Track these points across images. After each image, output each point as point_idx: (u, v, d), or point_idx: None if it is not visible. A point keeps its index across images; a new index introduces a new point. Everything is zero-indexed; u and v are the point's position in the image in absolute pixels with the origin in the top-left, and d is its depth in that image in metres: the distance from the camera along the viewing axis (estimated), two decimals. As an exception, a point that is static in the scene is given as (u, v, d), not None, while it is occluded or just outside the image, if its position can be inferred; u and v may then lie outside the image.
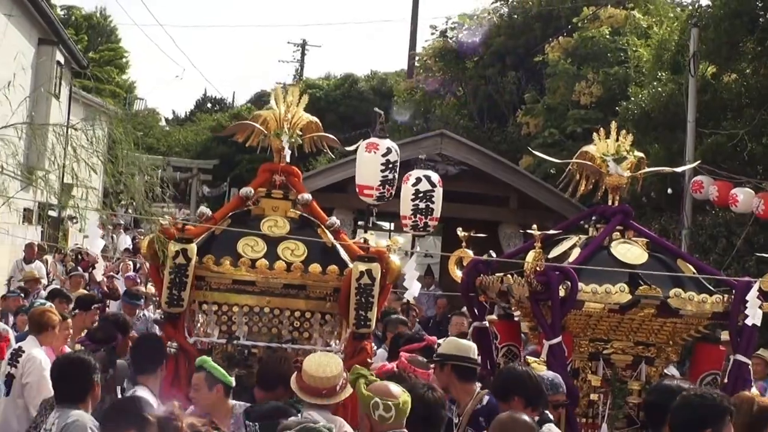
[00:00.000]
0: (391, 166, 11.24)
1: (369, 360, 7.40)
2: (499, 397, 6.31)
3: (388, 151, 11.27)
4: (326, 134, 8.19)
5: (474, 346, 7.47)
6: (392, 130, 26.18)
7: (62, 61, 26.98)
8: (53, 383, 6.40)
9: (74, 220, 18.59)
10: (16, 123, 6.44)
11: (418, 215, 12.10)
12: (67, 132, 6.88)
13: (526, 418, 5.22)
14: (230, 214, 7.71)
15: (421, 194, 11.88)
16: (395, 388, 5.22)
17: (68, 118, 25.44)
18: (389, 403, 5.07)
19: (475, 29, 28.50)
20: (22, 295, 14.24)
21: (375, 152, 11.17)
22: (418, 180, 12.06)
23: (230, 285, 7.33)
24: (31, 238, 18.87)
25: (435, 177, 12.19)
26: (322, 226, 7.70)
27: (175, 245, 7.02)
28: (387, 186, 11.29)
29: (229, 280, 7.31)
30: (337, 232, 7.74)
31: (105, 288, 16.34)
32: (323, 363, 6.18)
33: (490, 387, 6.68)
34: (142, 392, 6.47)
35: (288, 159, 7.82)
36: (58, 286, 15.28)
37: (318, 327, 7.37)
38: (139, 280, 17.06)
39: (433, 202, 11.99)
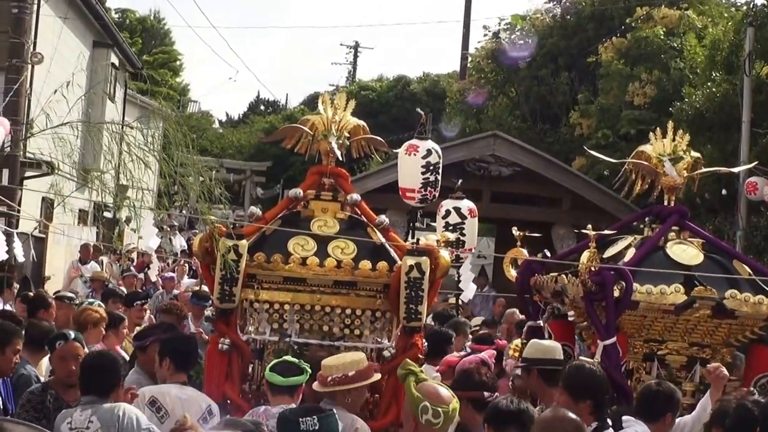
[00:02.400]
0: (432, 168, 11.10)
1: (420, 356, 7.38)
2: (572, 396, 5.91)
3: (428, 152, 11.12)
4: (373, 137, 8.17)
5: (558, 346, 7.41)
6: (437, 132, 26.15)
7: (117, 63, 27.26)
8: (84, 378, 6.15)
9: (129, 222, 18.78)
10: (72, 121, 6.50)
11: (448, 249, 12.00)
12: (122, 129, 6.94)
13: (572, 415, 4.79)
14: (279, 215, 7.73)
15: (451, 227, 11.67)
16: (445, 392, 5.06)
17: (123, 120, 25.72)
18: (439, 409, 4.92)
19: (528, 30, 28.43)
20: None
21: (415, 154, 11.03)
22: (447, 213, 11.84)
23: (281, 283, 7.34)
24: (86, 239, 19.02)
25: (465, 207, 11.87)
26: (371, 226, 7.70)
27: (227, 241, 7.06)
28: (429, 188, 11.14)
29: (279, 278, 7.32)
30: (386, 230, 7.73)
31: (160, 288, 16.52)
32: (342, 355, 6.17)
33: (563, 381, 6.17)
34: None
35: (336, 160, 7.82)
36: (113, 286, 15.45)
37: (369, 324, 7.36)
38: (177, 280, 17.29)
39: (464, 234, 11.73)
